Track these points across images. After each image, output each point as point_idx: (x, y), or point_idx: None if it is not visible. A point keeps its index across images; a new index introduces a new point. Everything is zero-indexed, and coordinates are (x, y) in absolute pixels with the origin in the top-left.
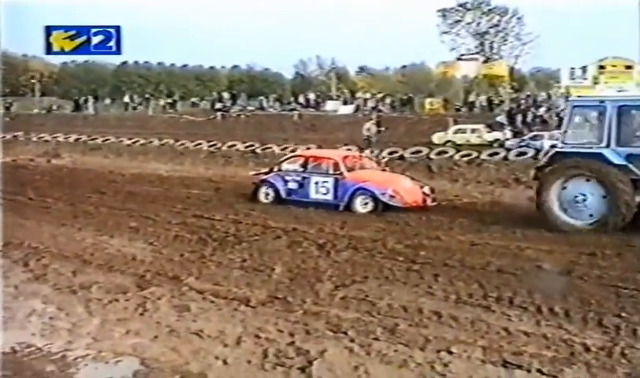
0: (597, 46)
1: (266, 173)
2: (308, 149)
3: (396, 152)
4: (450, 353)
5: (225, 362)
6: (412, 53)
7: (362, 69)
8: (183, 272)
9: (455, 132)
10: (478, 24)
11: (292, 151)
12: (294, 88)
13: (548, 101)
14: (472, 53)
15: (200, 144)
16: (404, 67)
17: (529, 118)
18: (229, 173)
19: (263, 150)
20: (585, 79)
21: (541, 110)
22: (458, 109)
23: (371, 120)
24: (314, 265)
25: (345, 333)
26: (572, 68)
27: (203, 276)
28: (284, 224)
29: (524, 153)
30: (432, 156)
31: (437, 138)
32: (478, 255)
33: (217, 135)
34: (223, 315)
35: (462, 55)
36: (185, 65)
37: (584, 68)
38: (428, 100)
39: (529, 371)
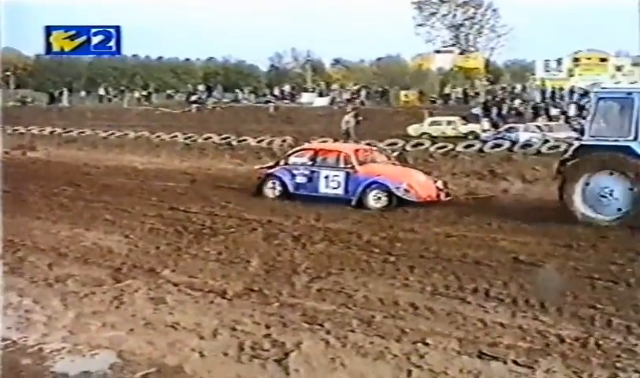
0: (571, 39)
1: (272, 167)
2: (284, 141)
3: (371, 144)
4: (426, 344)
5: (201, 355)
6: (388, 45)
7: (337, 61)
8: (159, 265)
9: (431, 124)
10: (454, 16)
11: (269, 144)
12: (269, 80)
13: (524, 93)
14: (447, 46)
15: (176, 136)
16: (380, 59)
17: (504, 110)
18: (205, 165)
19: (239, 142)
20: (560, 71)
21: (516, 102)
22: (433, 101)
23: (350, 112)
24: (289, 258)
25: (321, 325)
26: (547, 61)
27: (179, 268)
28: (260, 216)
29: (499, 145)
30: (407, 148)
31: (412, 130)
32: (454, 247)
33: (193, 127)
34: (199, 307)
35: (438, 50)
36: (160, 58)
37: (559, 61)
38: (403, 92)
39: (505, 362)
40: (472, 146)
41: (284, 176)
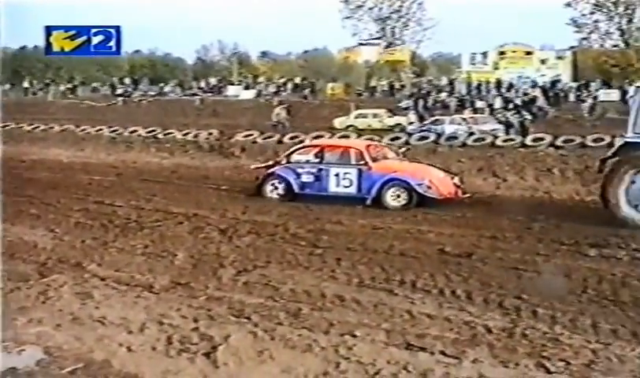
0: (497, 32)
1: (271, 166)
2: (210, 133)
3: (298, 137)
4: (354, 336)
5: (129, 349)
6: (314, 38)
7: (264, 54)
8: (85, 259)
9: (357, 117)
10: (380, 9)
11: (195, 137)
12: (196, 73)
13: (450, 86)
14: (374, 39)
15: (101, 130)
16: (306, 52)
17: (430, 103)
18: (131, 159)
19: (165, 135)
20: (485, 64)
21: (442, 95)
22: (359, 94)
23: (281, 104)
24: (216, 251)
25: (249, 318)
26: (473, 54)
27: (105, 262)
28: (186, 209)
29: (425, 138)
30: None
31: (338, 123)
32: (381, 239)
33: (119, 120)
34: (126, 302)
35: (364, 41)
36: None
37: (485, 54)
38: (330, 85)
39: (432, 353)
40: (398, 138)
41: (287, 175)
